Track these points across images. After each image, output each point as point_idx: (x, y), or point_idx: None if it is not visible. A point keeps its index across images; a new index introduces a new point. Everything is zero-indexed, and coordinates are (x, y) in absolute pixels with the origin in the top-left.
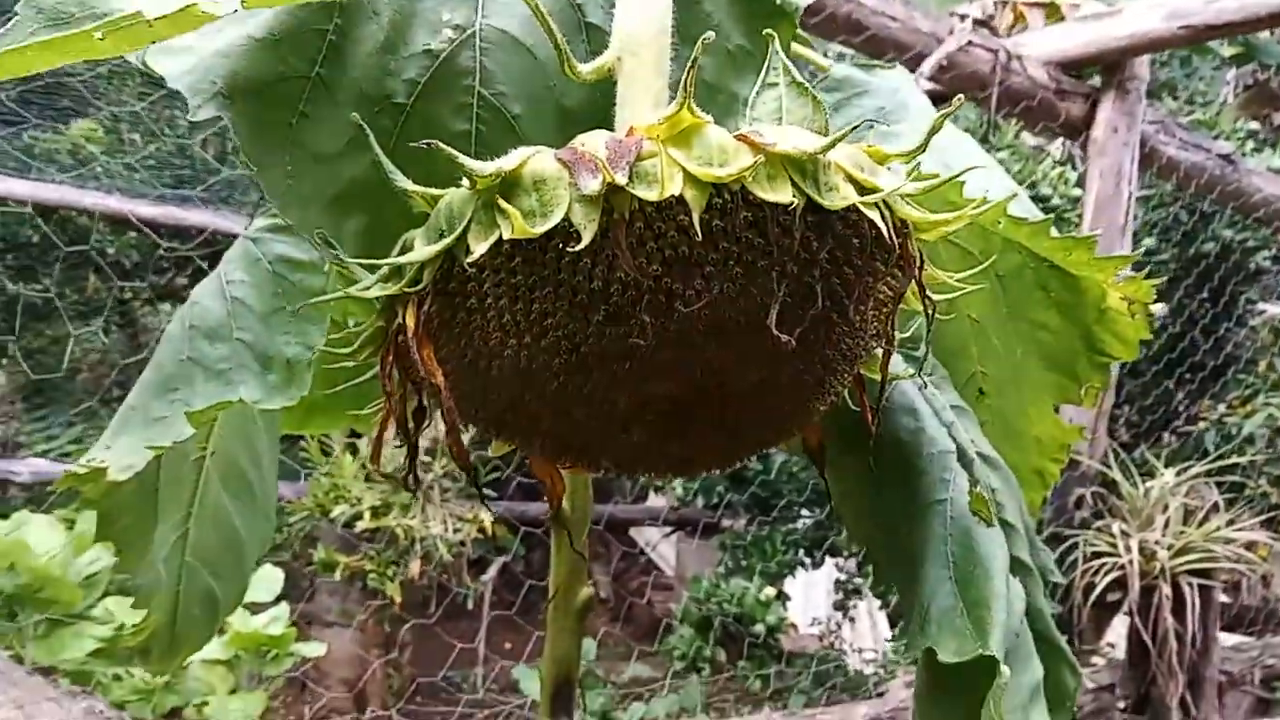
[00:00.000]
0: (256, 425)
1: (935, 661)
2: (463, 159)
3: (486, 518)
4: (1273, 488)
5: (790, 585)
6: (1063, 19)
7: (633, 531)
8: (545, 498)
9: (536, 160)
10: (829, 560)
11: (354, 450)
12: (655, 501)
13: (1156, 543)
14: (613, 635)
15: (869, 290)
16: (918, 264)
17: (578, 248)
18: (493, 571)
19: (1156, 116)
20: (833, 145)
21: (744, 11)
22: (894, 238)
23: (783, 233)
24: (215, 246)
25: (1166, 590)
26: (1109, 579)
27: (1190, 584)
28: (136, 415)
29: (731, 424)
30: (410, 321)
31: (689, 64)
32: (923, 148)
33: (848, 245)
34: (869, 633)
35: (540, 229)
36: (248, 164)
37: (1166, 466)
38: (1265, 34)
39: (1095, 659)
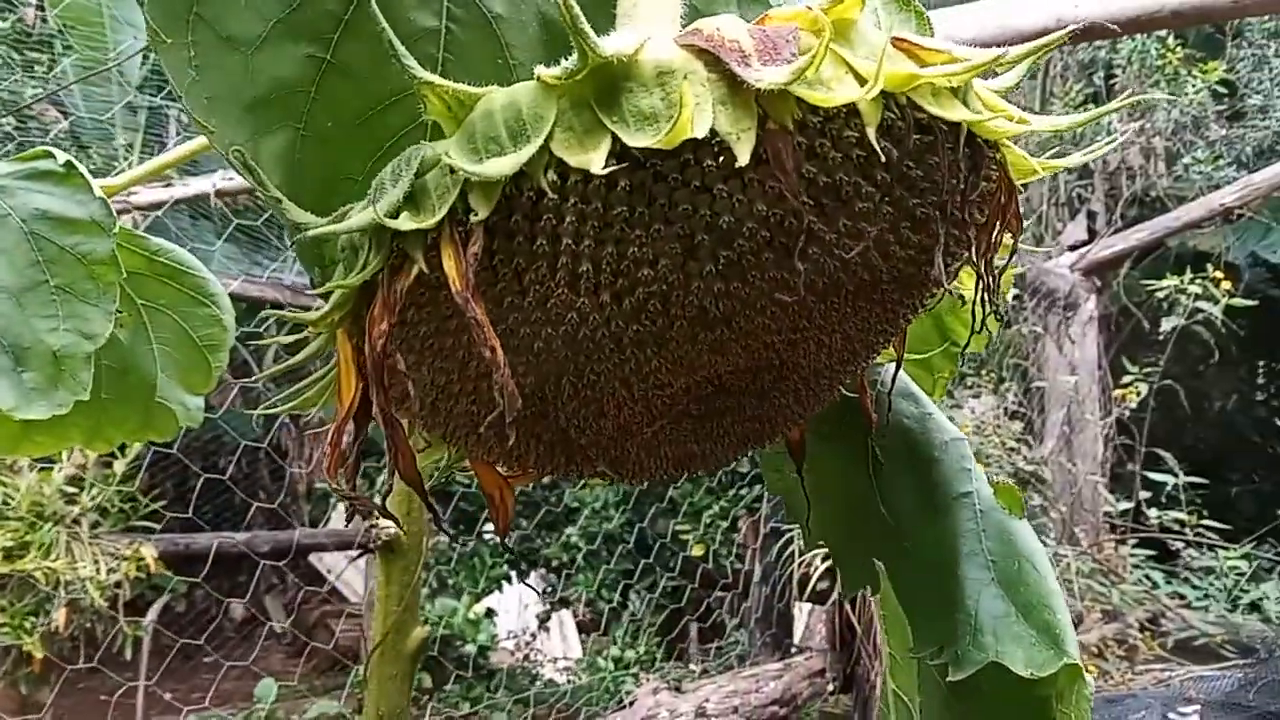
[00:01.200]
0: None
1: (984, 675)
2: (585, 28)
3: (149, 553)
4: None
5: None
6: None
7: (313, 558)
8: (375, 521)
9: (655, 47)
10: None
11: None
12: (338, 525)
13: None
14: (292, 673)
15: (977, 244)
16: (1019, 222)
17: (734, 166)
18: (153, 614)
19: None
20: (1015, 62)
21: None
22: (1016, 183)
23: (946, 164)
24: None
25: None
26: (823, 569)
27: None
28: None
29: (766, 410)
30: (454, 270)
31: None
32: (1019, 82)
33: (980, 187)
34: (560, 643)
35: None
36: (155, 34)
37: None
38: None
39: (807, 647)
